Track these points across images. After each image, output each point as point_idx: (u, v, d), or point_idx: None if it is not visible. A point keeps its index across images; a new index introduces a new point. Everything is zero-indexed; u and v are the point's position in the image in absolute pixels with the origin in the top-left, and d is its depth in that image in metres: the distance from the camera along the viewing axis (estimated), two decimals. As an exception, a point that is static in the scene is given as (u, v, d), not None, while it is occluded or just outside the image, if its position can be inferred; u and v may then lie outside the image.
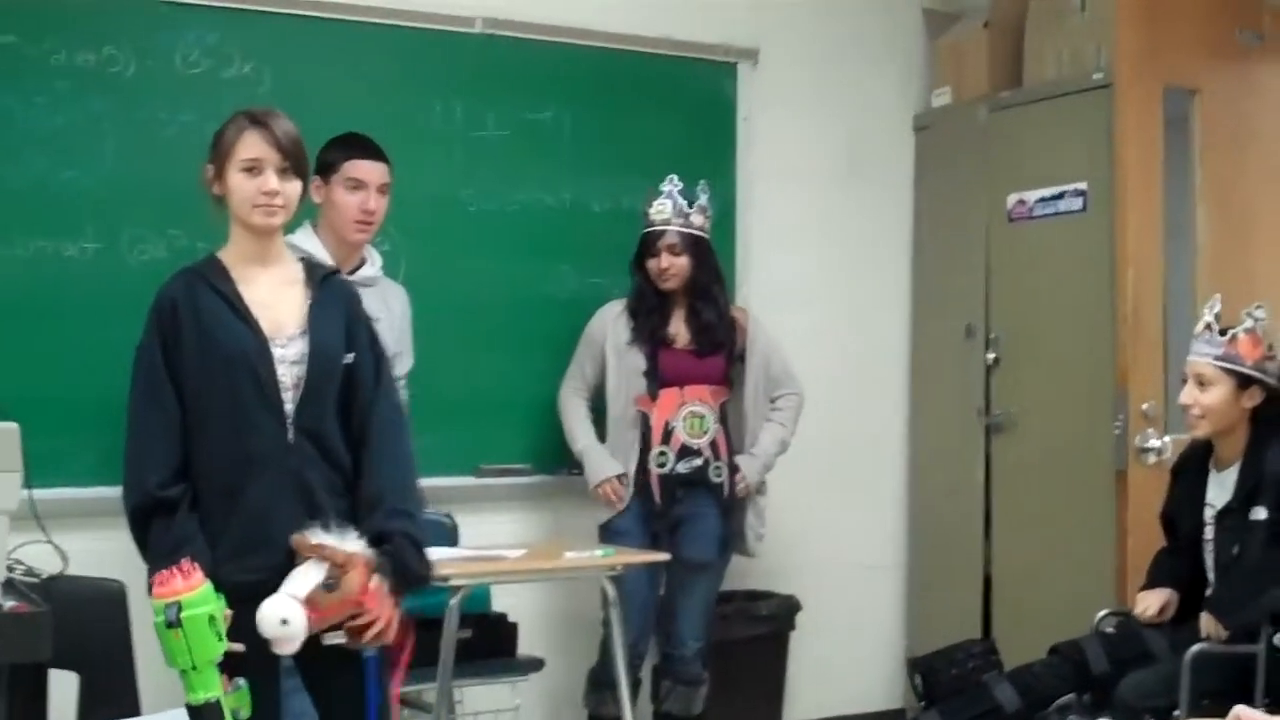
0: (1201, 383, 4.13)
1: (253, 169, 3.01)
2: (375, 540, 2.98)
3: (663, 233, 4.63)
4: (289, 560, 2.88)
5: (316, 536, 2.87)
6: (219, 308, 3.00)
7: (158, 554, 2.84)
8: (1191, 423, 4.22)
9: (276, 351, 3.02)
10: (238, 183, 3.03)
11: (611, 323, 4.69)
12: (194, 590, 2.42)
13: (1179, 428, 4.97)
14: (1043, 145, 5.32)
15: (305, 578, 2.83)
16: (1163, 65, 5.07)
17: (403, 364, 4.40)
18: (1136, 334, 4.95)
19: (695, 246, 4.66)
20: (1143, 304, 4.98)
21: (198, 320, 2.97)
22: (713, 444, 4.65)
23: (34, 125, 4.20)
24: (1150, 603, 4.24)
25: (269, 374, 3.00)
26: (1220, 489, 4.16)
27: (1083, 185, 5.14)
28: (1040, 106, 5.33)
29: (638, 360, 4.63)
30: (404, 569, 3.01)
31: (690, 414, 4.62)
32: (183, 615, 2.36)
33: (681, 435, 4.61)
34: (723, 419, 4.69)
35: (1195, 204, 5.18)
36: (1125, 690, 3.97)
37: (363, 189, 4.09)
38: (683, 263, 4.63)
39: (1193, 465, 4.28)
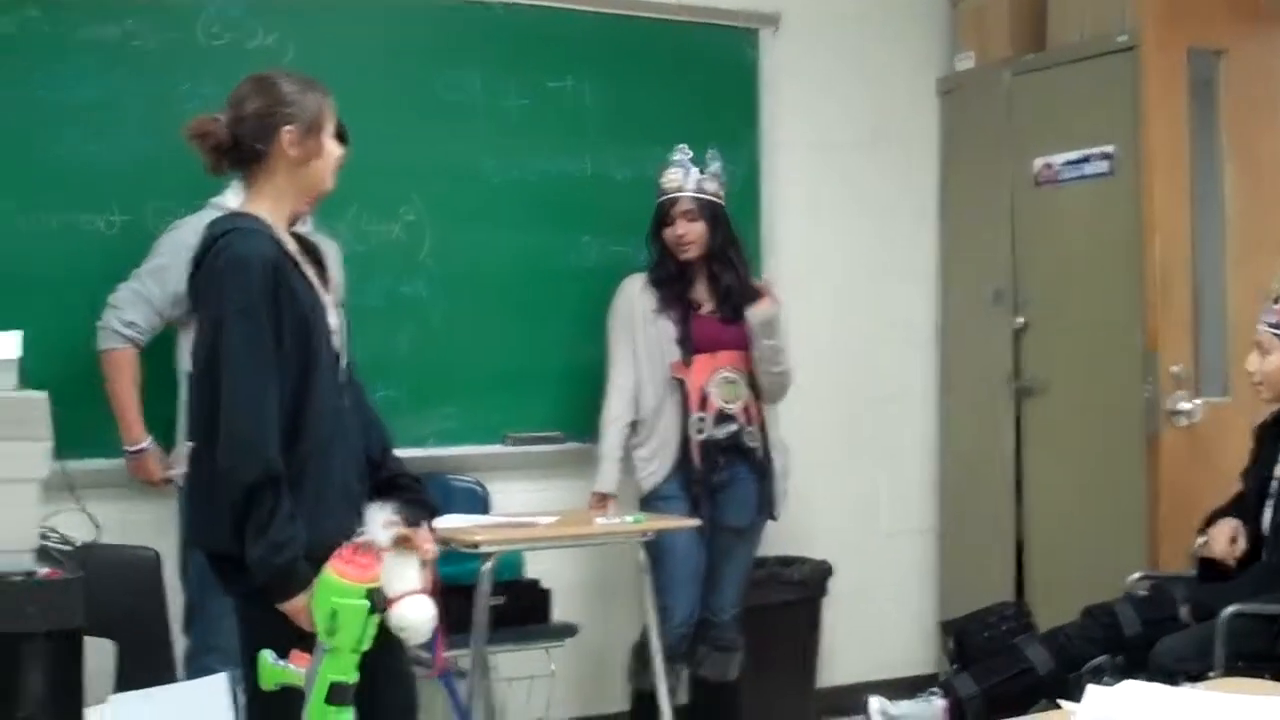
0: (1261, 350, 4.13)
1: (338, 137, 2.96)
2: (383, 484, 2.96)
3: (676, 199, 4.60)
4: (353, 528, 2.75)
5: (376, 522, 2.72)
6: (295, 274, 2.84)
7: (285, 532, 2.67)
8: (1254, 389, 4.24)
9: (332, 322, 2.92)
10: (332, 147, 2.93)
11: (638, 295, 4.66)
12: (379, 578, 2.54)
13: (1210, 390, 4.98)
14: (1068, 108, 5.28)
15: (408, 568, 2.72)
16: (1187, 27, 5.04)
17: None
18: (1165, 297, 4.92)
19: (710, 212, 4.63)
20: (1171, 266, 4.95)
21: (291, 286, 2.80)
22: (745, 409, 4.62)
23: (59, 100, 4.19)
24: (1219, 533, 4.17)
25: (335, 346, 2.90)
26: None
27: (1109, 148, 5.10)
28: (1064, 69, 5.30)
29: (668, 328, 4.59)
30: (430, 507, 3.02)
31: (724, 379, 4.59)
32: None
33: (716, 401, 4.58)
34: (751, 385, 4.67)
35: (1223, 166, 5.14)
36: (1160, 653, 3.94)
37: None
38: (699, 228, 4.60)
39: (1272, 430, 4.26)
